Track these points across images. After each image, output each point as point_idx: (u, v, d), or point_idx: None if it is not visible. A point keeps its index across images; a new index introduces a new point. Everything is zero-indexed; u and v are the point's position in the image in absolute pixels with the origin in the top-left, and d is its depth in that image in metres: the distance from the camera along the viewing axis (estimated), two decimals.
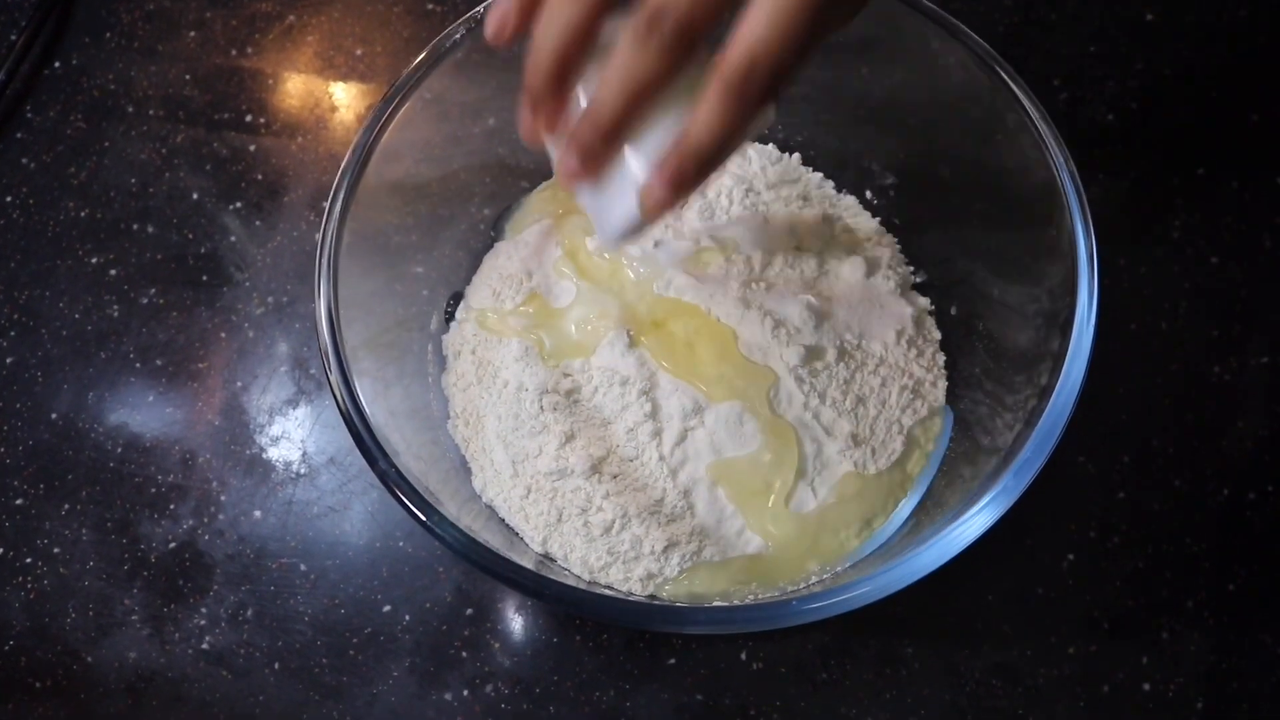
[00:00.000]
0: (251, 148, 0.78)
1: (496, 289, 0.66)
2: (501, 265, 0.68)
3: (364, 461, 0.68)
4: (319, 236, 0.58)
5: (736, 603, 0.57)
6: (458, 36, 0.62)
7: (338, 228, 0.58)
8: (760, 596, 0.60)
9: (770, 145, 0.71)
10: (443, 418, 0.66)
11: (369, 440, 0.54)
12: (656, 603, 0.57)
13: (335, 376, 0.55)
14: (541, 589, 0.51)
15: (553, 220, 0.69)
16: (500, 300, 0.66)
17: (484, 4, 0.62)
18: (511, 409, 0.62)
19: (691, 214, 0.66)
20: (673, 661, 0.65)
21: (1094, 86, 0.77)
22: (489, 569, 0.51)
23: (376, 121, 0.60)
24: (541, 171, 0.72)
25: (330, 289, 0.56)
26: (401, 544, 0.67)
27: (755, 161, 0.69)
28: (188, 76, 0.81)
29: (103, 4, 0.83)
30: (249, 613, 0.67)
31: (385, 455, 0.53)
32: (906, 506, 0.62)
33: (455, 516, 0.53)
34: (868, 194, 0.70)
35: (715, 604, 0.57)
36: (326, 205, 0.59)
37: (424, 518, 0.52)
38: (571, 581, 0.58)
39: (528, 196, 0.71)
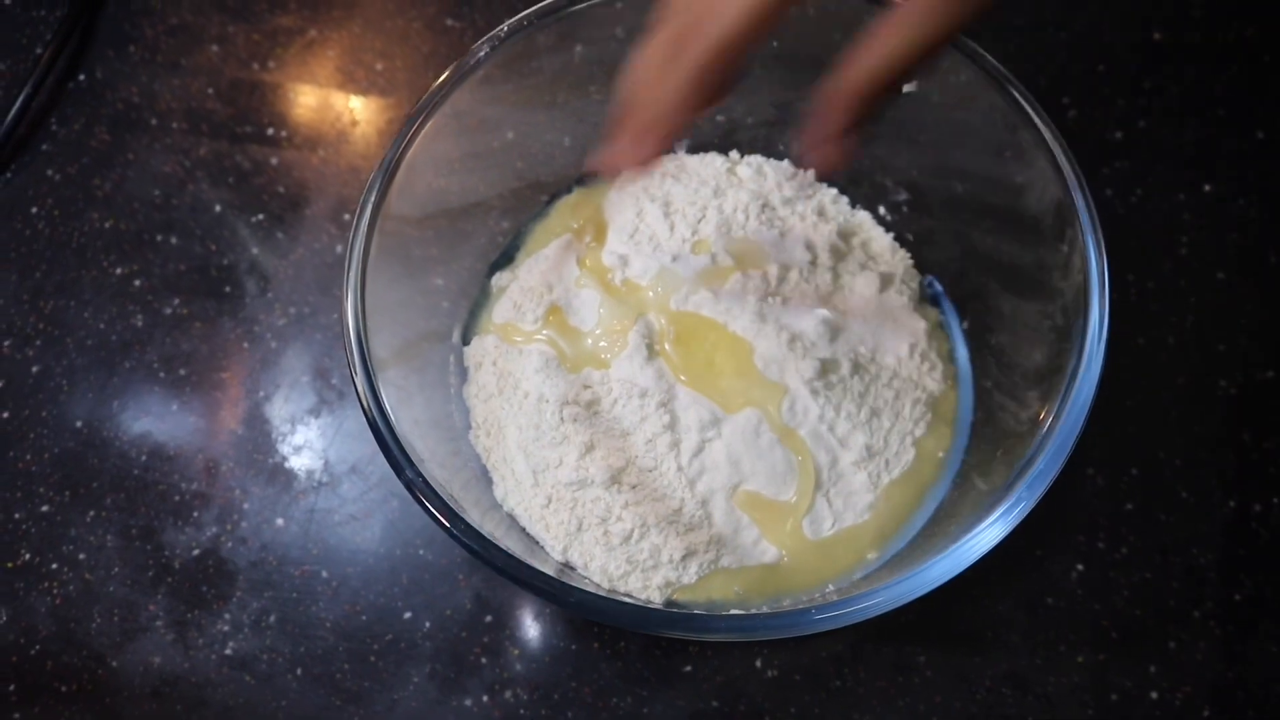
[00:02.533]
0: (273, 161, 0.79)
1: (518, 302, 0.67)
2: (522, 279, 0.69)
3: (384, 470, 0.70)
4: (346, 248, 0.59)
5: (754, 611, 0.58)
6: (481, 54, 0.63)
7: (365, 240, 0.59)
8: (776, 605, 0.61)
9: (785, 161, 0.72)
10: (464, 428, 0.67)
11: (395, 448, 0.55)
12: (676, 610, 0.58)
13: (362, 385, 0.56)
14: (565, 595, 0.52)
15: (572, 235, 0.70)
16: (521, 313, 0.67)
17: (506, 22, 0.64)
18: (532, 420, 0.63)
19: (709, 228, 0.67)
20: (689, 669, 0.66)
21: (1102, 105, 0.79)
22: (513, 575, 0.52)
23: (404, 137, 0.61)
24: (560, 185, 0.73)
25: (358, 299, 0.58)
26: (422, 552, 0.68)
27: (771, 177, 0.70)
28: (210, 90, 0.82)
29: (126, 18, 0.85)
30: (271, 619, 0.68)
31: (411, 463, 0.54)
32: (920, 517, 0.63)
33: (478, 524, 0.54)
34: (881, 209, 0.71)
35: (733, 612, 0.58)
36: (354, 218, 0.60)
37: (449, 525, 0.53)
38: (591, 589, 0.59)
39: (546, 210, 0.72)
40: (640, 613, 0.53)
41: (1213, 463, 0.70)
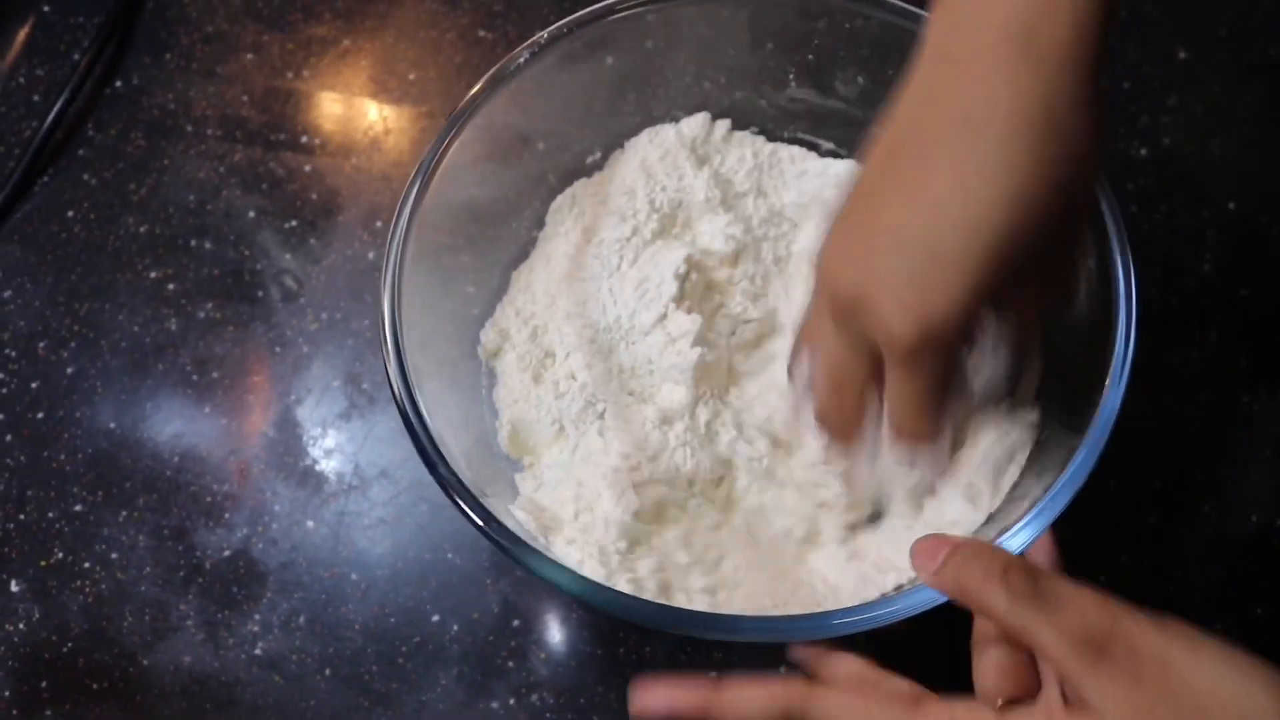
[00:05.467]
0: (306, 168, 0.80)
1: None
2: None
3: (414, 475, 0.71)
4: (378, 255, 0.60)
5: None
6: (521, 61, 0.64)
7: (403, 239, 0.60)
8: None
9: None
10: (494, 430, 0.67)
11: (429, 445, 0.55)
12: (704, 612, 0.58)
13: (397, 382, 0.57)
14: (595, 595, 0.52)
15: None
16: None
17: (545, 30, 0.65)
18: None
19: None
20: (714, 675, 0.66)
21: (1128, 121, 0.79)
22: (544, 574, 0.53)
23: (440, 144, 0.62)
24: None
25: (394, 298, 0.59)
26: (450, 555, 0.69)
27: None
28: (245, 97, 0.83)
29: (163, 26, 0.86)
30: (301, 620, 0.68)
31: (444, 460, 0.55)
32: None
33: (509, 523, 0.55)
34: None
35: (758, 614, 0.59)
36: (388, 222, 0.61)
37: (481, 523, 0.53)
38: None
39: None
40: (667, 613, 0.53)
41: (1235, 477, 0.70)
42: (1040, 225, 0.50)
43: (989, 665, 0.49)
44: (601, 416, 0.64)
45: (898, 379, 0.53)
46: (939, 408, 0.55)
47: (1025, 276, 0.52)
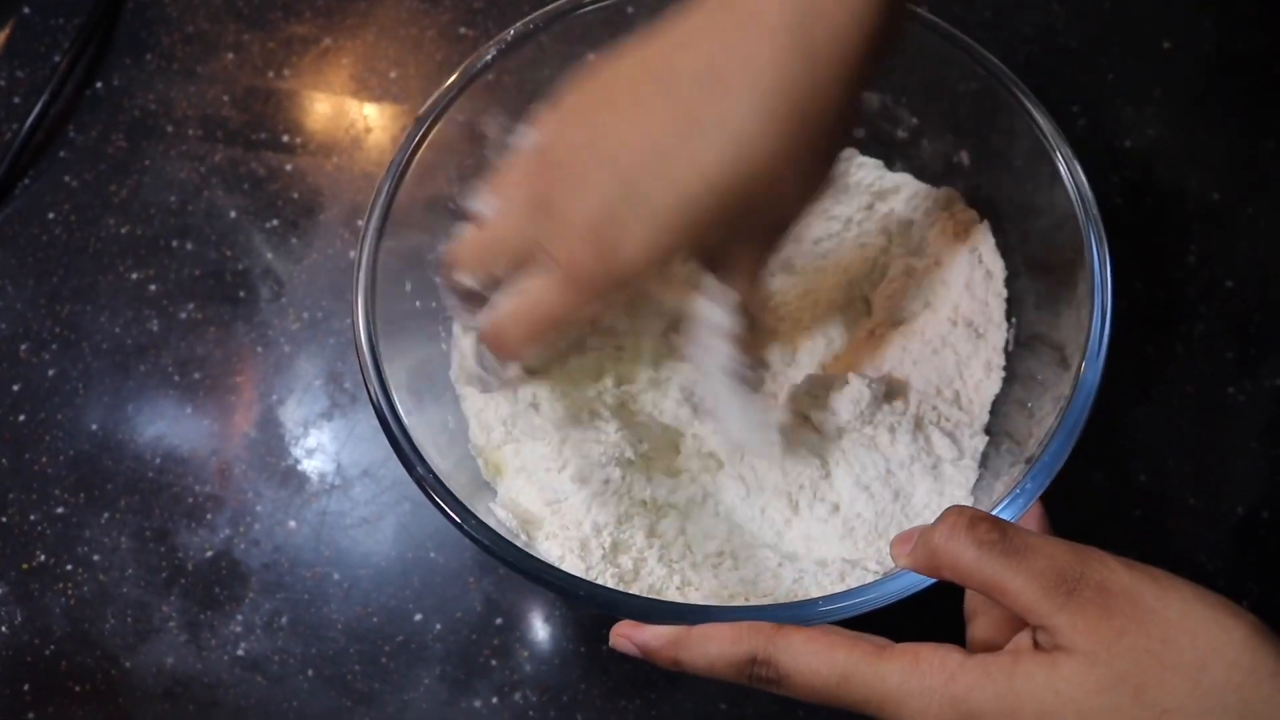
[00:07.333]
0: (288, 167, 0.80)
1: None
2: None
3: (396, 474, 0.70)
4: (356, 251, 0.60)
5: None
6: (489, 58, 0.64)
7: (375, 241, 0.60)
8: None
9: None
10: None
11: (405, 444, 0.55)
12: (683, 604, 0.58)
13: (373, 381, 0.56)
14: (574, 589, 0.52)
15: None
16: None
17: (513, 26, 0.64)
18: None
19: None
20: None
21: (1112, 113, 0.79)
22: (523, 569, 0.52)
23: (411, 140, 0.62)
24: None
25: (369, 300, 0.58)
26: (433, 555, 0.69)
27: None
28: (226, 97, 0.83)
29: (143, 26, 0.86)
30: (283, 620, 0.68)
31: (422, 459, 0.55)
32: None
33: (489, 521, 0.54)
34: None
35: (741, 604, 0.58)
36: (363, 220, 0.60)
37: (459, 520, 0.53)
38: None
39: None
40: (647, 605, 0.53)
41: (1221, 470, 0.70)
42: (746, 202, 0.50)
43: (977, 628, 0.49)
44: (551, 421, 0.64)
45: (545, 288, 0.53)
46: (550, 329, 0.55)
47: (731, 240, 0.53)
